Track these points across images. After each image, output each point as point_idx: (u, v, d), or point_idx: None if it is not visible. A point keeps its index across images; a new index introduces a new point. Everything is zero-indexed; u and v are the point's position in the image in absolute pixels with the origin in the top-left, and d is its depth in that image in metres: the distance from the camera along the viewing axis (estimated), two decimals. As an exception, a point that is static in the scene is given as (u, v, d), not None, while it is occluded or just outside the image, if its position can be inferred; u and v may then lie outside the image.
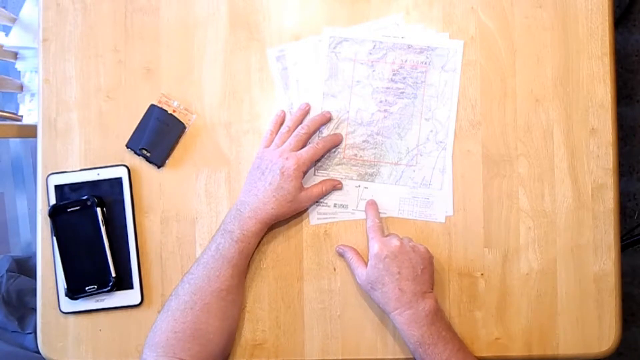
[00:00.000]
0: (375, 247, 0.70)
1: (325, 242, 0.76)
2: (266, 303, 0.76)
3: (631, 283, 1.48)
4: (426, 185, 0.76)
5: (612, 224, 0.75)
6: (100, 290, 0.74)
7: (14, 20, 1.20)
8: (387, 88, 0.77)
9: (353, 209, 0.76)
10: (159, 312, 0.74)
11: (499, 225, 0.75)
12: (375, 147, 0.77)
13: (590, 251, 0.75)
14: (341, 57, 0.77)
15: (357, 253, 0.74)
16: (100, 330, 0.76)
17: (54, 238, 0.74)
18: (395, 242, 0.70)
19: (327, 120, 0.76)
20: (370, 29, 0.77)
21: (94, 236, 0.74)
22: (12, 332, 1.23)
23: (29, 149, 1.64)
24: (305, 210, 0.76)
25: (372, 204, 0.75)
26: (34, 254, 1.13)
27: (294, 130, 0.74)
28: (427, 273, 0.70)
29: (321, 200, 0.76)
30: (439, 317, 0.69)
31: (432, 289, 0.71)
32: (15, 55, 1.22)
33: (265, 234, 0.74)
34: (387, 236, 0.72)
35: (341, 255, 0.75)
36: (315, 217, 0.76)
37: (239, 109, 0.78)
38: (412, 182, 0.76)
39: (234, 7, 0.78)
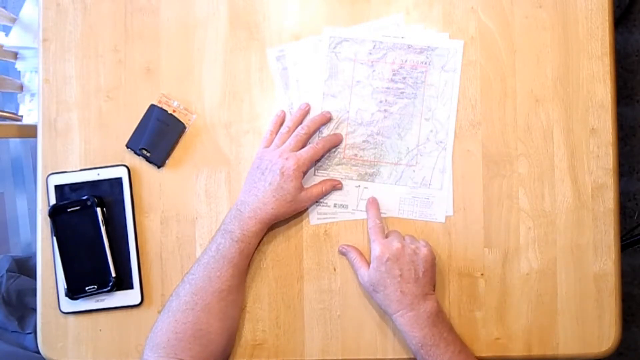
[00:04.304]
0: (377, 249, 0.70)
1: (325, 242, 0.76)
2: (266, 303, 0.76)
3: (631, 283, 1.48)
4: (426, 185, 0.76)
5: (612, 224, 0.75)
6: (100, 290, 0.74)
7: (14, 20, 1.20)
8: (387, 88, 0.77)
9: (353, 209, 0.76)
10: (159, 312, 0.74)
11: (499, 225, 0.75)
12: (375, 147, 0.77)
13: (590, 251, 0.75)
14: (341, 57, 0.77)
15: (360, 253, 0.74)
16: (100, 330, 0.76)
17: (54, 238, 0.74)
18: (396, 245, 0.70)
19: (327, 120, 0.76)
20: (370, 29, 0.77)
21: (94, 236, 0.74)
22: (12, 332, 1.23)
23: (29, 149, 1.64)
24: (305, 210, 0.76)
25: (373, 203, 0.75)
26: (34, 254, 1.13)
27: (294, 130, 0.74)
28: (428, 275, 0.70)
29: (321, 200, 0.76)
30: (440, 319, 0.69)
31: (434, 290, 0.71)
32: (15, 55, 1.22)
33: (265, 234, 0.74)
34: (388, 237, 0.72)
35: (344, 255, 0.75)
36: (315, 217, 0.76)
37: (239, 109, 0.78)
38: (412, 182, 0.76)
39: (234, 7, 0.78)
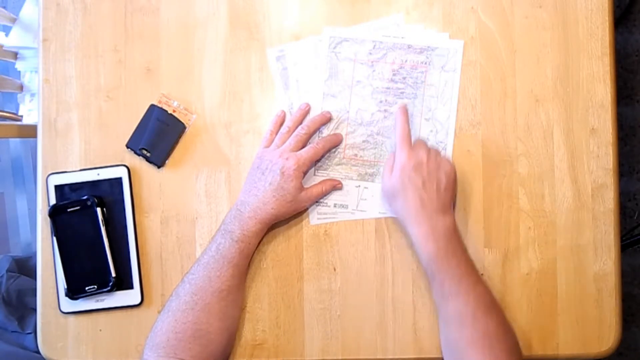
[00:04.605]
0: (402, 157, 0.70)
1: (325, 242, 0.76)
2: (266, 303, 0.76)
3: (631, 283, 1.48)
4: (426, 185, 0.76)
5: (612, 224, 0.75)
6: (100, 290, 0.74)
7: (14, 20, 1.20)
8: (387, 88, 0.77)
9: (353, 209, 0.76)
10: (159, 312, 0.74)
11: (499, 225, 0.75)
12: (375, 147, 0.77)
13: (590, 251, 0.75)
14: (341, 57, 0.77)
15: (392, 156, 0.73)
16: (100, 330, 0.76)
17: (54, 238, 0.74)
18: (422, 155, 0.70)
19: (327, 120, 0.76)
20: (370, 29, 0.77)
21: (94, 236, 0.74)
22: (12, 332, 1.23)
23: (29, 149, 1.64)
24: (305, 210, 0.76)
25: (403, 109, 0.75)
26: (34, 254, 1.13)
27: (294, 130, 0.74)
28: (449, 191, 0.70)
29: (321, 200, 0.76)
30: (456, 237, 0.69)
31: (453, 209, 0.71)
32: (15, 55, 1.22)
33: (265, 234, 0.74)
34: (415, 146, 0.72)
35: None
36: (315, 217, 0.76)
37: (239, 109, 0.78)
38: (412, 182, 0.76)
39: (234, 7, 0.78)
